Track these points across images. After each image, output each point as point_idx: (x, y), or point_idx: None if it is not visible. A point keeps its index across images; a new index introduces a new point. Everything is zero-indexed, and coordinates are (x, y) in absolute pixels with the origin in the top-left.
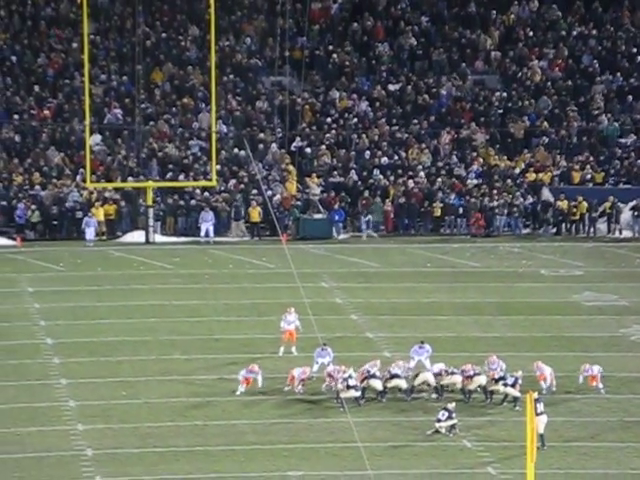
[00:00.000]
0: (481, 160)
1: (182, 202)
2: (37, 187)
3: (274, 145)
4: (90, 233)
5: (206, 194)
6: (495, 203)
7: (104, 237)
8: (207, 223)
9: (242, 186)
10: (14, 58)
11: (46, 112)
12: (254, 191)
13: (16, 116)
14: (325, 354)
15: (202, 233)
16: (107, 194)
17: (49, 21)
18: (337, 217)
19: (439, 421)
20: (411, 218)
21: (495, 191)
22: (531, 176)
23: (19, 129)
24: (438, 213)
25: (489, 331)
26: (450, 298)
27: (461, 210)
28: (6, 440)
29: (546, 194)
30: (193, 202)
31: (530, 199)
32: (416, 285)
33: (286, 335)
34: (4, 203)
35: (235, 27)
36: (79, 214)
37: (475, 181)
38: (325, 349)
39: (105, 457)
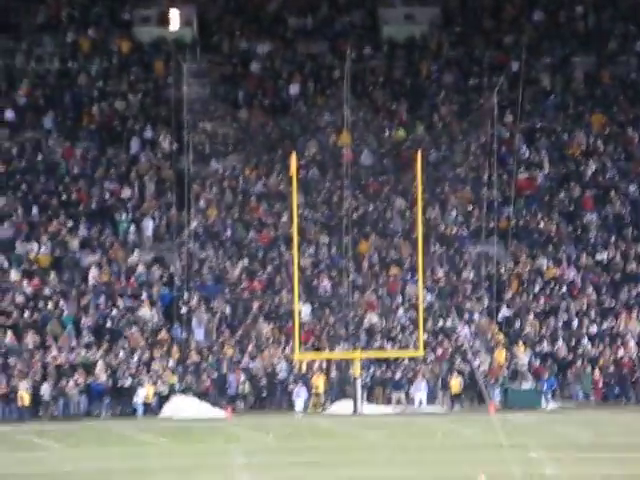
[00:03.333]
0: None
1: (389, 373)
2: (246, 358)
3: (477, 315)
4: (300, 404)
5: (412, 364)
6: None
7: (320, 409)
8: (420, 392)
9: (447, 356)
10: (227, 232)
11: (256, 284)
12: (458, 361)
13: (227, 289)
14: None
15: (416, 403)
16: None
17: (259, 195)
18: (546, 386)
19: None
20: (621, 387)
21: None
22: None
23: (230, 301)
24: None
25: None
26: None
27: None
28: None
29: None
30: (399, 373)
31: None
32: (630, 456)
33: None
34: (216, 375)
35: (440, 198)
36: (289, 386)
37: None
38: None
39: None
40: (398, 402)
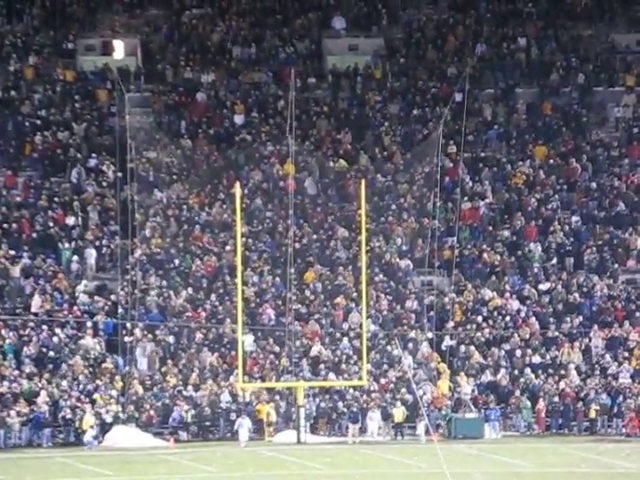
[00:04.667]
0: (635, 360)
1: (331, 403)
2: (190, 388)
3: (425, 345)
4: (243, 434)
5: (356, 394)
6: None
7: (270, 439)
8: (373, 422)
9: (391, 386)
10: (171, 261)
11: (200, 313)
12: (402, 390)
13: (171, 318)
14: None
15: (368, 432)
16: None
17: (203, 225)
18: (493, 416)
19: None
20: (564, 418)
21: None
22: None
23: (174, 330)
24: (593, 415)
25: None
26: None
27: (615, 410)
28: None
29: None
30: (346, 404)
31: None
32: None
33: None
34: (159, 404)
35: (385, 228)
36: (233, 415)
37: (628, 380)
38: None
39: None
40: (354, 435)
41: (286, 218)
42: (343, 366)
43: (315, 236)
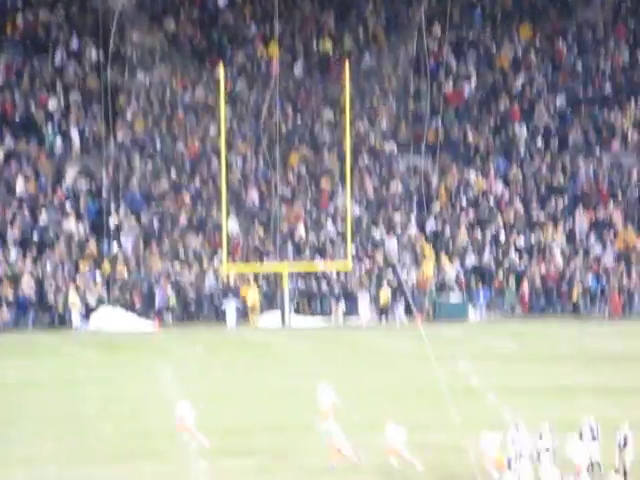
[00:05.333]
0: (620, 242)
1: (315, 284)
2: (174, 271)
3: (410, 227)
4: (231, 316)
5: (341, 278)
6: (633, 284)
7: (255, 320)
8: (363, 304)
9: (376, 269)
10: (155, 144)
11: (184, 197)
12: (388, 273)
13: (155, 202)
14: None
15: (359, 315)
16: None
17: (186, 107)
18: (481, 298)
19: None
20: (547, 299)
21: (634, 272)
22: None
23: (158, 213)
24: (575, 298)
25: (629, 413)
26: (588, 380)
27: (599, 291)
28: None
29: None
30: (325, 287)
31: None
32: (553, 367)
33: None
34: (144, 288)
35: (369, 111)
36: (217, 297)
37: (612, 262)
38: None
39: None
40: (337, 313)
41: (270, 100)
42: (328, 249)
43: (300, 118)
